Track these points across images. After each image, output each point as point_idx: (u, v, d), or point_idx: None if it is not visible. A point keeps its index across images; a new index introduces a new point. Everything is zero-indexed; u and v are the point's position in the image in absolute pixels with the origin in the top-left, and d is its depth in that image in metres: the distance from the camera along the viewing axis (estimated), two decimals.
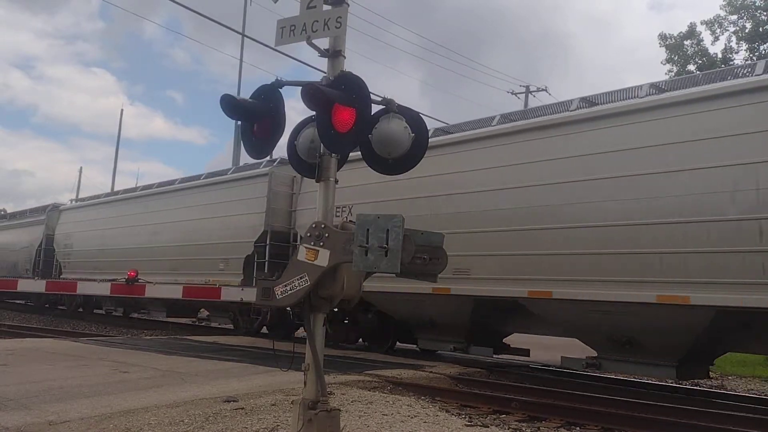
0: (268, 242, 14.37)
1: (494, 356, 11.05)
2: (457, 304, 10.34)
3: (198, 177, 18.05)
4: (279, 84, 4.34)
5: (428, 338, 11.56)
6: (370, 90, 4.01)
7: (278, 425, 5.62)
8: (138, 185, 21.97)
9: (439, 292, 10.00)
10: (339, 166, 4.37)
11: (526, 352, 11.30)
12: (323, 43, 4.30)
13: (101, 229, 20.63)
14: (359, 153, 4.33)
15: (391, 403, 7.14)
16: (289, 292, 4.01)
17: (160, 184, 19.60)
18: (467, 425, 6.36)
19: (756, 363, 12.25)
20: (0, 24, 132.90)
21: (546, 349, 12.73)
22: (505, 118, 10.75)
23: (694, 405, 7.80)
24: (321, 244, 3.95)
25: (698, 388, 10.66)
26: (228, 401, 6.58)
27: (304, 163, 4.42)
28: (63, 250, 22.57)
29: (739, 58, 25.90)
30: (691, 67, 26.39)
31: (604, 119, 8.98)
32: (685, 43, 26.56)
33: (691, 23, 26.98)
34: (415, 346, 12.22)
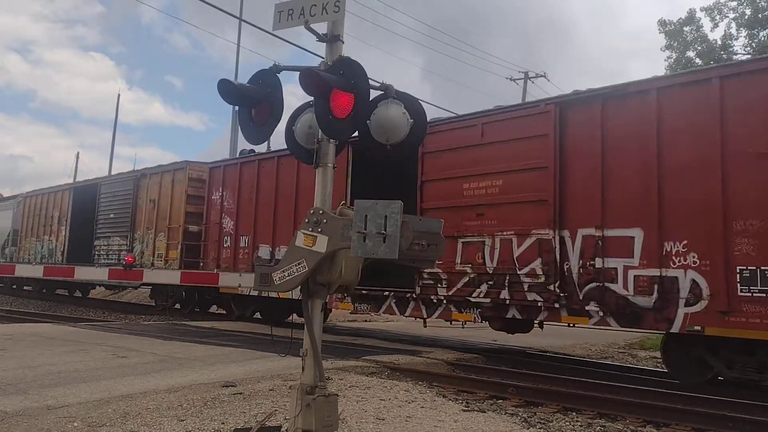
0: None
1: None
2: None
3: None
4: (277, 69, 4.31)
5: None
6: (369, 75, 3.99)
7: (276, 410, 5.65)
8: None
9: None
10: (337, 152, 4.36)
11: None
12: (322, 27, 4.26)
13: None
14: None
15: (388, 388, 7.18)
16: (287, 278, 4.02)
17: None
18: (464, 410, 6.40)
19: None
20: None
21: None
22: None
23: (689, 391, 7.85)
24: (319, 230, 3.95)
25: None
26: (226, 386, 6.61)
27: (302, 149, 4.40)
28: None
29: (739, 45, 25.84)
30: (691, 54, 26.31)
31: None
32: (685, 29, 26.45)
33: (690, 9, 26.87)
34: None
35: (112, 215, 19.32)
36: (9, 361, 7.77)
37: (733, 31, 26.10)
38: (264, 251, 13.94)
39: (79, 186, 22.18)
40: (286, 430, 4.63)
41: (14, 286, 25.84)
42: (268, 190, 13.98)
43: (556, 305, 8.98)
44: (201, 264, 15.89)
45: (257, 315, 15.70)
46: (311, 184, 11.86)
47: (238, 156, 16.40)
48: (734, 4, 25.74)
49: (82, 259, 19.74)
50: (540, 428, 6.14)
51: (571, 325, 9.34)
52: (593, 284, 8.64)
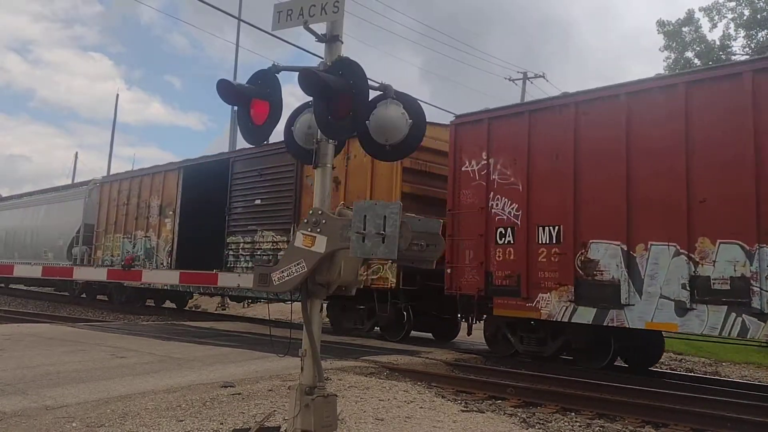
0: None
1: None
2: None
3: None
4: (276, 69, 4.31)
5: None
6: (367, 76, 3.99)
7: (275, 410, 5.65)
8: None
9: None
10: (336, 152, 4.36)
11: None
12: (321, 28, 4.27)
13: None
14: None
15: (387, 388, 7.18)
16: (286, 278, 4.02)
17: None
18: (463, 410, 6.40)
19: (750, 350, 12.35)
20: None
21: None
22: None
23: (688, 391, 7.86)
24: (318, 230, 3.95)
25: (693, 374, 10.73)
26: (225, 386, 6.61)
27: (301, 149, 4.40)
28: None
29: (737, 45, 25.88)
30: (689, 54, 26.33)
31: None
32: (683, 29, 26.48)
33: (689, 10, 26.88)
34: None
35: (258, 201, 14.35)
36: (8, 362, 7.76)
37: (732, 31, 26.16)
38: (602, 252, 8.80)
39: (194, 164, 16.88)
40: (285, 430, 4.62)
41: (83, 295, 21.48)
42: (605, 150, 8.96)
43: None
44: (449, 270, 10.54)
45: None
46: None
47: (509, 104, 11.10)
48: (733, 4, 25.79)
49: (205, 261, 15.22)
50: (539, 428, 6.14)
51: None
52: None
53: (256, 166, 14.52)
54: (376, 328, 12.62)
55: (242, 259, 14.50)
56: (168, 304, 20.60)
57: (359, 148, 11.53)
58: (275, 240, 13.79)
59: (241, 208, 14.87)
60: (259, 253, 14.08)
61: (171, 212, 16.75)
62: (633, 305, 8.46)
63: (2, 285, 26.20)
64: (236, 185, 15.00)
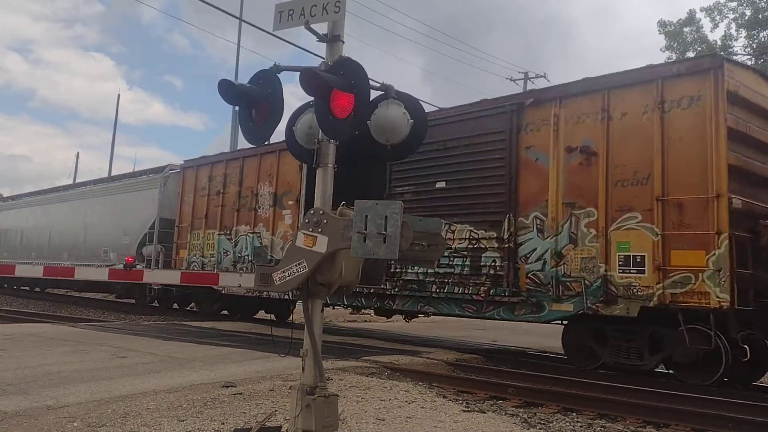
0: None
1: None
2: None
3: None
4: (277, 69, 4.31)
5: None
6: (369, 76, 3.99)
7: (276, 410, 5.65)
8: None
9: None
10: (337, 152, 4.36)
11: None
12: (322, 27, 4.27)
13: None
14: None
15: (388, 388, 7.18)
16: (287, 278, 4.02)
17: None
18: (464, 411, 6.40)
19: None
20: None
21: None
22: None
23: (689, 391, 7.84)
24: (319, 230, 3.95)
25: None
26: (226, 386, 6.61)
27: (303, 149, 4.40)
28: None
29: (739, 45, 25.87)
30: (691, 55, 26.32)
31: None
32: (685, 30, 26.47)
33: (690, 10, 26.85)
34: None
35: (441, 184, 10.81)
36: (9, 362, 7.77)
37: (733, 31, 26.16)
38: None
39: None
40: (286, 430, 4.63)
41: (155, 303, 18.57)
42: None
43: None
44: None
45: None
46: None
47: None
48: (734, 4, 25.78)
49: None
50: (540, 429, 6.14)
51: None
52: None
53: (438, 137, 10.41)
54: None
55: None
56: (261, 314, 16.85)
57: (631, 104, 8.46)
58: (475, 237, 10.03)
59: (410, 194, 11.08)
60: (448, 253, 10.09)
61: (291, 202, 13.10)
62: None
63: (38, 289, 24.17)
64: (400, 163, 10.92)
